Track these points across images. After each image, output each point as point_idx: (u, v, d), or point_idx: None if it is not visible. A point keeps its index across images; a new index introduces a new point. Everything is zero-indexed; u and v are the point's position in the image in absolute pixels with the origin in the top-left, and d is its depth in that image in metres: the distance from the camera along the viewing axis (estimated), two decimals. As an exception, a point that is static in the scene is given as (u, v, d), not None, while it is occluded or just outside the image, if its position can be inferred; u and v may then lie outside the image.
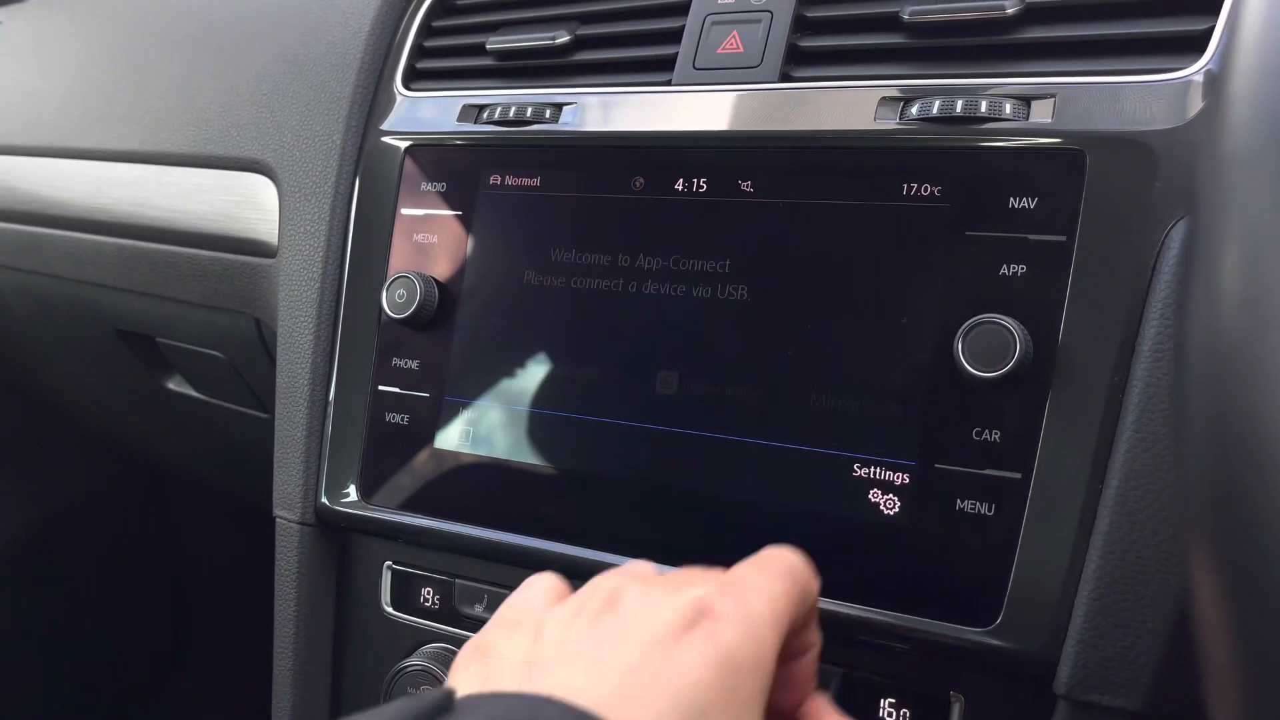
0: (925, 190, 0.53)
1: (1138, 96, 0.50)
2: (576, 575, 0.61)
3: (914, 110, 0.54)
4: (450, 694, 0.36)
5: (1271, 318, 0.21)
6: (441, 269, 0.66)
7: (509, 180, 0.65)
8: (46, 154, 0.94)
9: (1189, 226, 0.26)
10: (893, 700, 0.54)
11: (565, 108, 0.64)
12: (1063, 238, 0.49)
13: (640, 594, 0.40)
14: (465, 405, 0.64)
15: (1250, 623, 0.23)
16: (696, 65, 0.61)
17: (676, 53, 0.62)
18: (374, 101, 0.73)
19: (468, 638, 0.43)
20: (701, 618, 0.37)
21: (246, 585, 1.18)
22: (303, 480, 0.70)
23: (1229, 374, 0.22)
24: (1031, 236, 0.50)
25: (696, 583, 0.40)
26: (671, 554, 0.57)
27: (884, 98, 0.55)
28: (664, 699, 0.34)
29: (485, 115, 0.67)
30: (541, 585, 0.45)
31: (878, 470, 0.52)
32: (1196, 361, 0.24)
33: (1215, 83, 0.47)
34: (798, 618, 0.41)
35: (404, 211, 0.68)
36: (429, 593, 0.68)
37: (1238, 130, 0.23)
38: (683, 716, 0.34)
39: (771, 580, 0.40)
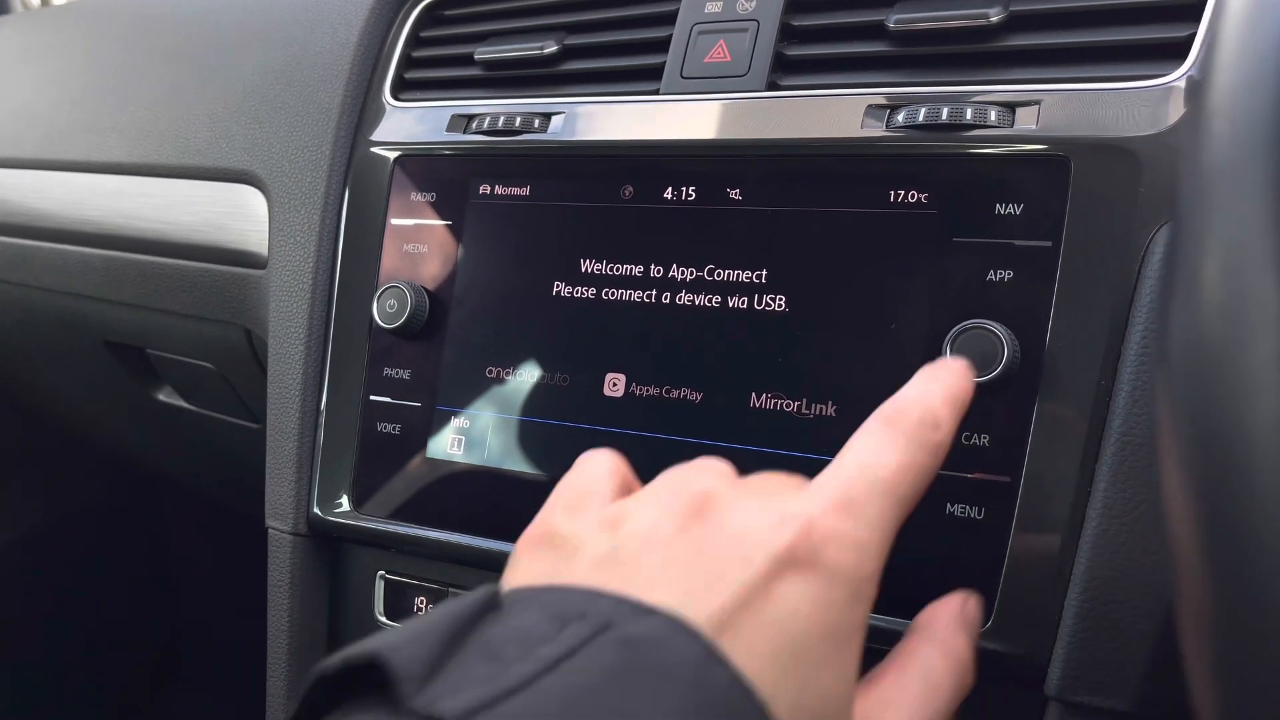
0: (912, 197, 0.54)
1: (1121, 103, 0.50)
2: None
3: (900, 118, 0.54)
4: (495, 591, 0.33)
5: (1253, 328, 0.21)
6: (432, 278, 0.66)
7: (498, 190, 0.65)
8: (33, 166, 0.94)
9: (1170, 235, 0.26)
10: (885, 704, 0.54)
11: (554, 117, 0.65)
12: (1049, 243, 0.50)
13: (735, 505, 0.36)
14: (457, 414, 0.64)
15: (1228, 630, 0.24)
16: (684, 74, 0.62)
17: (664, 62, 0.63)
18: (362, 112, 0.73)
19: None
20: (808, 545, 0.33)
21: (240, 596, 1.18)
22: (295, 491, 0.70)
23: (1211, 382, 0.23)
24: (1018, 242, 0.51)
25: (797, 498, 0.36)
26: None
27: (870, 105, 0.56)
28: (765, 629, 0.31)
29: (474, 125, 0.67)
30: (603, 464, 0.42)
31: (868, 475, 0.53)
32: (1178, 369, 0.24)
33: (1197, 89, 0.48)
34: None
35: (394, 221, 0.69)
36: (422, 602, 0.68)
37: (1218, 143, 0.23)
38: (784, 649, 0.31)
39: (882, 497, 0.36)
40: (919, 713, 0.36)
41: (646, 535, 0.35)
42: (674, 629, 0.30)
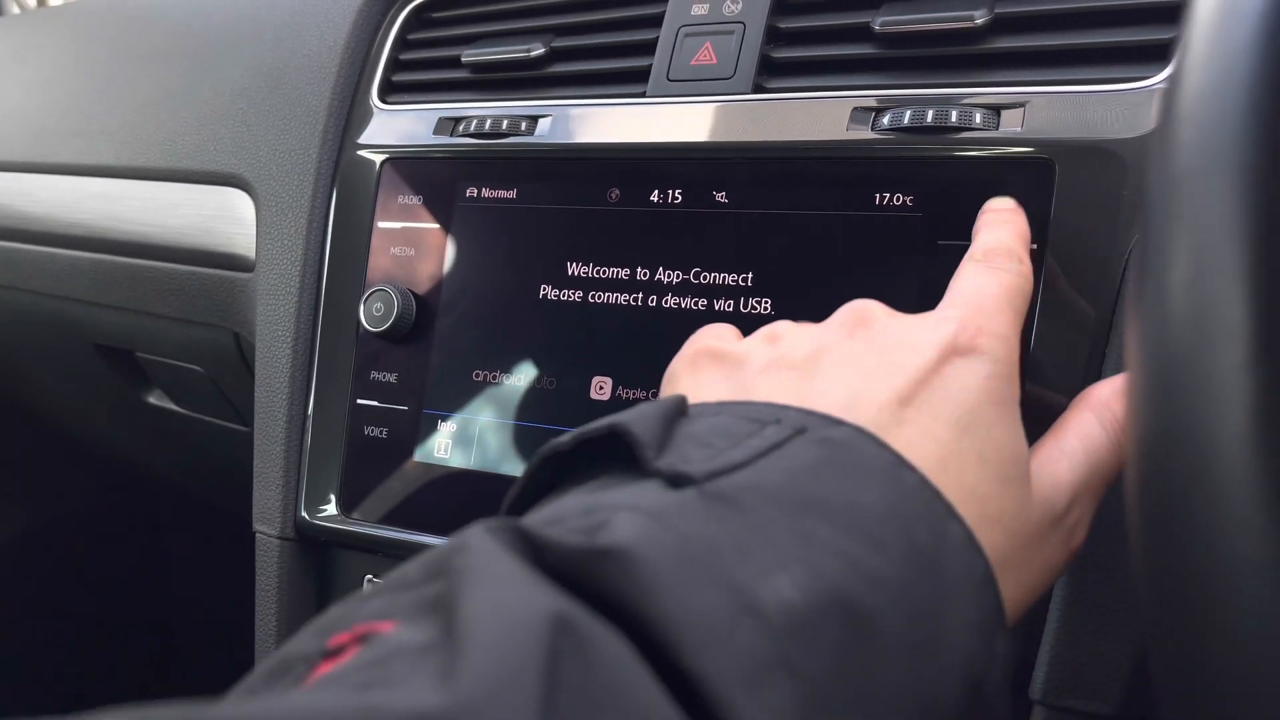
0: (898, 200, 0.54)
1: (1105, 105, 0.50)
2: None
3: (886, 120, 0.54)
4: (683, 398, 0.35)
5: (1217, 335, 0.21)
6: (419, 282, 0.66)
7: (485, 192, 0.65)
8: (21, 169, 0.94)
9: (1138, 241, 0.26)
10: (872, 707, 0.54)
11: (541, 120, 0.65)
12: (1033, 245, 0.50)
13: (890, 317, 0.40)
14: (444, 418, 0.64)
15: (1181, 639, 0.24)
16: (670, 77, 0.62)
17: (650, 64, 0.62)
18: (350, 115, 0.73)
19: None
20: (967, 335, 0.37)
21: (230, 599, 1.17)
22: (282, 494, 0.70)
23: (1177, 389, 0.23)
24: (1002, 245, 0.50)
25: (939, 310, 0.40)
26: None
27: (856, 108, 0.56)
28: (943, 399, 0.35)
29: (461, 128, 0.67)
30: (723, 325, 0.45)
31: (854, 479, 0.52)
32: (1144, 375, 0.24)
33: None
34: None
35: (381, 224, 0.68)
36: (410, 606, 0.67)
37: (1184, 149, 0.23)
38: (963, 414, 0.35)
39: (1006, 305, 0.40)
40: (1080, 464, 0.39)
41: (813, 343, 0.38)
42: (864, 438, 0.32)
